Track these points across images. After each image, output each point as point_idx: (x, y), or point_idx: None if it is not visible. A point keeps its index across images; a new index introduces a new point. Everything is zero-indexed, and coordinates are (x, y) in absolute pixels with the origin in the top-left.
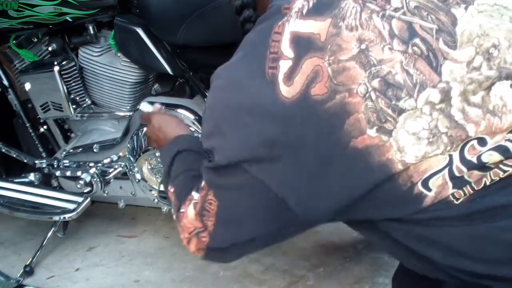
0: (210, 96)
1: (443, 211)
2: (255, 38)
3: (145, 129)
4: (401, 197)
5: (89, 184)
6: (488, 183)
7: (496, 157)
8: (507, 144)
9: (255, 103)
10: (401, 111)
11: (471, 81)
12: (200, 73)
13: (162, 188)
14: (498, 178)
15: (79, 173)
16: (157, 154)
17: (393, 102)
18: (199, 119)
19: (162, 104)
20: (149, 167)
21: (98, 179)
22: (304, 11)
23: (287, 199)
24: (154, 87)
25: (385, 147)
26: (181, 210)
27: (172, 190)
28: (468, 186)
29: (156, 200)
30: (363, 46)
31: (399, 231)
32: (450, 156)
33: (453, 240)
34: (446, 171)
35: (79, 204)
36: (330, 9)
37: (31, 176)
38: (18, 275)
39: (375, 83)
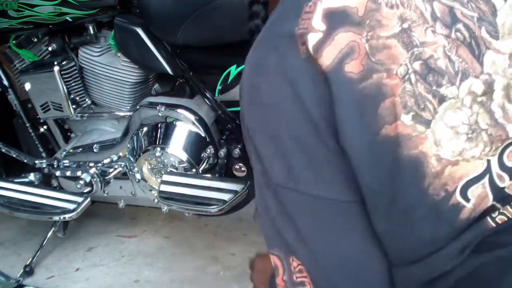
0: (241, 111)
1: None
2: (281, 16)
3: (145, 129)
4: (431, 209)
5: (89, 184)
6: None
7: None
8: None
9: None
10: (442, 99)
11: None
12: (200, 73)
13: (162, 188)
14: None
15: (79, 173)
16: (157, 154)
17: (434, 87)
18: (199, 119)
19: None
20: (149, 167)
21: (98, 179)
22: None
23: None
24: (154, 87)
25: (419, 139)
26: None
27: None
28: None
29: (156, 200)
30: (405, 25)
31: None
32: (488, 161)
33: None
34: (486, 179)
35: (79, 204)
36: None
37: (31, 176)
38: (18, 275)
39: (416, 65)
